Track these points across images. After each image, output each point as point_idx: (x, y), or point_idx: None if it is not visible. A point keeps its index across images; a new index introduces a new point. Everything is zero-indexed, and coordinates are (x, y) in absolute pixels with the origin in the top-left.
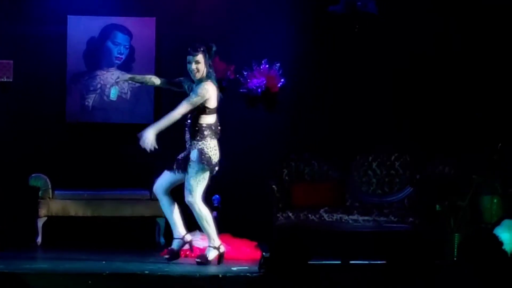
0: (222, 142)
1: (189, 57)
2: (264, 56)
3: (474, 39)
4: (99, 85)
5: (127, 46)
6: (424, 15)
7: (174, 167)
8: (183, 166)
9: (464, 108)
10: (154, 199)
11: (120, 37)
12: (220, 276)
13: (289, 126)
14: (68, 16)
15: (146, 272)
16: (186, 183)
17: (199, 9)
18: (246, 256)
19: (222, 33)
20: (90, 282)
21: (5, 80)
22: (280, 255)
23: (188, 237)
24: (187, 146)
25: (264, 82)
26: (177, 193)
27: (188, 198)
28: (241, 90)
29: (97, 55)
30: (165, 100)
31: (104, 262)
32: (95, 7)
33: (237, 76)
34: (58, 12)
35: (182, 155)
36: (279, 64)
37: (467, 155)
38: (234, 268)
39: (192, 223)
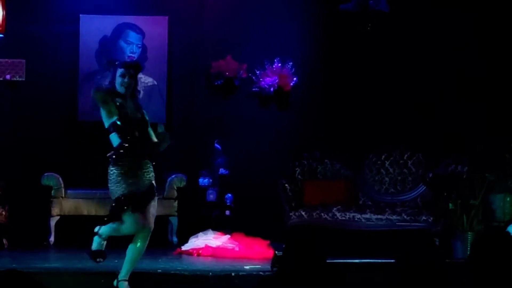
0: (234, 141)
1: (124, 71)
2: (276, 54)
3: (478, 36)
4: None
5: (140, 45)
6: (433, 10)
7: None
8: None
9: (475, 106)
10: (166, 198)
11: (133, 36)
12: (233, 274)
13: (301, 124)
14: (80, 15)
15: (159, 270)
16: (153, 210)
17: (212, 7)
18: (259, 255)
19: (234, 32)
20: (102, 281)
21: (18, 79)
22: (294, 254)
23: None
24: (144, 173)
25: (277, 81)
26: None
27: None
28: (254, 89)
29: (109, 54)
30: (177, 99)
31: (116, 261)
32: (108, 6)
33: (250, 75)
34: (71, 11)
35: (142, 189)
36: (291, 63)
37: (480, 153)
38: (247, 267)
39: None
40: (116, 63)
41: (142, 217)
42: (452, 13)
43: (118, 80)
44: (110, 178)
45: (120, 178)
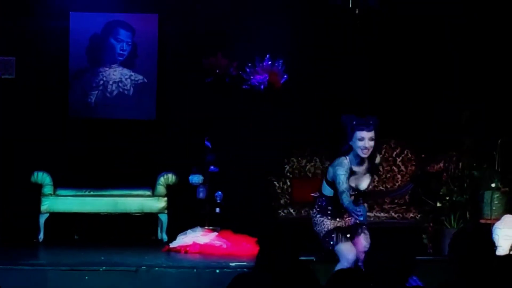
0: (225, 139)
1: (363, 133)
2: (267, 52)
3: (467, 35)
4: (101, 82)
5: (130, 43)
6: (425, 8)
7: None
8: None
9: (464, 104)
10: (156, 196)
11: (123, 33)
12: (217, 271)
13: (291, 122)
14: (70, 12)
15: (143, 267)
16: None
17: (202, 5)
18: (246, 252)
19: (224, 29)
20: (86, 277)
21: (8, 76)
22: (268, 249)
23: None
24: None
25: (267, 78)
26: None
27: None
28: (244, 87)
29: (99, 51)
30: (168, 96)
31: (102, 258)
32: (98, 3)
33: (240, 72)
34: (61, 8)
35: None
36: (282, 60)
37: (468, 151)
38: (233, 264)
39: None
40: (354, 122)
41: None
42: (442, 9)
43: (357, 143)
44: (315, 222)
45: (322, 219)
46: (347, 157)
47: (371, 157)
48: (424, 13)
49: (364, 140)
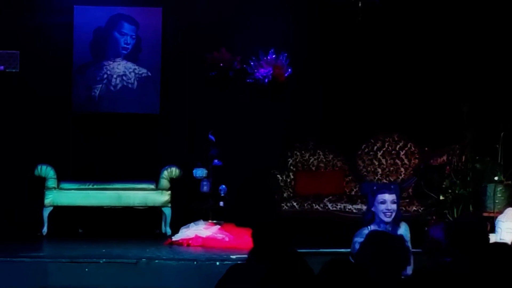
0: (229, 133)
1: (384, 196)
2: (271, 45)
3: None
4: (105, 75)
5: (134, 36)
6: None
7: None
8: None
9: (468, 97)
10: (159, 189)
11: (127, 27)
12: (218, 263)
13: (295, 115)
14: (74, 6)
15: (143, 260)
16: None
17: None
18: (249, 245)
19: (229, 23)
20: (86, 270)
21: (12, 70)
22: (262, 241)
23: None
24: None
25: (271, 72)
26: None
27: None
28: (248, 80)
29: (103, 45)
30: (171, 90)
31: (104, 250)
32: None
33: (244, 66)
34: (64, 2)
35: None
36: (286, 54)
37: (470, 144)
38: (233, 256)
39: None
40: (374, 187)
41: None
42: (443, 4)
43: (379, 207)
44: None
45: None
46: (369, 227)
47: (395, 224)
48: (424, 12)
49: (386, 203)
